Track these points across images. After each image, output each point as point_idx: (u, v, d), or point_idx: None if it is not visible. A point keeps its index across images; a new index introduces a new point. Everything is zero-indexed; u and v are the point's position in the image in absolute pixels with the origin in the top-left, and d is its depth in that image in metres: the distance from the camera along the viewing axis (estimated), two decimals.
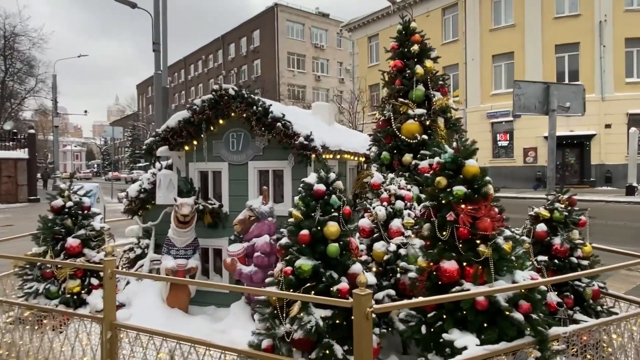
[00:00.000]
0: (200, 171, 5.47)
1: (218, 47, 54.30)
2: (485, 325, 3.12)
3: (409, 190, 4.42)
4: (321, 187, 3.44)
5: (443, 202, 3.38)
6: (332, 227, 3.33)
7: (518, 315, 3.10)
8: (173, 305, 4.91)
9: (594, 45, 25.15)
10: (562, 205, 4.10)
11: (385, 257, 4.03)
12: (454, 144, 3.46)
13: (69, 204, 4.61)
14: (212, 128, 5.25)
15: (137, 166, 67.15)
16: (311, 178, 3.55)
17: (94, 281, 4.58)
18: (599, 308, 3.94)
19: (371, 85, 33.15)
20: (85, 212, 4.73)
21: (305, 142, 4.60)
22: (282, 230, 3.75)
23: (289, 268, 3.36)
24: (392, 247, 4.02)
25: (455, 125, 5.31)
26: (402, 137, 5.18)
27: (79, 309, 4.43)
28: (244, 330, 4.18)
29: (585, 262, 3.96)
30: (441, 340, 3.10)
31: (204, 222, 5.23)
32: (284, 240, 3.57)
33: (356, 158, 6.22)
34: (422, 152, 5.11)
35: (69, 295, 4.42)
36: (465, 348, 2.91)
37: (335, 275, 3.31)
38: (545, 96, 6.31)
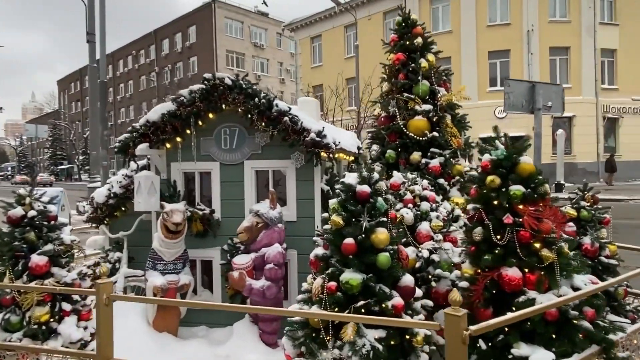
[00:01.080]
0: (185, 172, 4.79)
1: (150, 42, 51.38)
2: (553, 336, 2.87)
3: (431, 190, 4.11)
4: (365, 188, 3.01)
5: (495, 203, 3.10)
6: (382, 235, 2.91)
7: (586, 324, 2.89)
8: (161, 328, 4.21)
9: (523, 52, 26.77)
10: (588, 204, 4.00)
11: (417, 265, 3.68)
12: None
13: (31, 213, 3.76)
14: (200, 123, 4.59)
15: (59, 169, 61.91)
16: (350, 178, 3.10)
17: (66, 306, 3.77)
18: (627, 307, 3.88)
19: (315, 86, 32.93)
20: (52, 222, 3.90)
21: (318, 139, 4.13)
22: (315, 239, 3.26)
23: (333, 283, 2.88)
24: (424, 253, 3.67)
25: (462, 122, 5.10)
26: (410, 134, 4.87)
27: (49, 342, 3.62)
28: (257, 355, 3.64)
29: (613, 262, 3.88)
30: (510, 356, 2.79)
31: (192, 230, 4.56)
32: (320, 251, 3.09)
33: (348, 157, 5.83)
34: (432, 150, 4.84)
35: (35, 326, 3.59)
36: None
37: (387, 290, 2.89)
38: (531, 95, 6.32)
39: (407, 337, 2.88)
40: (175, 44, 48.68)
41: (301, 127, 4.17)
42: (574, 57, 26.44)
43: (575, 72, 25.88)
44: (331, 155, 4.23)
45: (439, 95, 5.03)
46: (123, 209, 5.08)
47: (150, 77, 49.80)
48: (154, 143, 4.58)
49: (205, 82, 4.40)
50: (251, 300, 4.00)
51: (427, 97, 5.04)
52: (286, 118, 4.18)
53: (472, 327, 2.20)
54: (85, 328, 3.88)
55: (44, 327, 3.63)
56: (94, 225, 5.09)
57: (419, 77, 4.96)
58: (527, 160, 3.06)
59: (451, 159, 4.78)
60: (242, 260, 3.86)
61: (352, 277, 2.85)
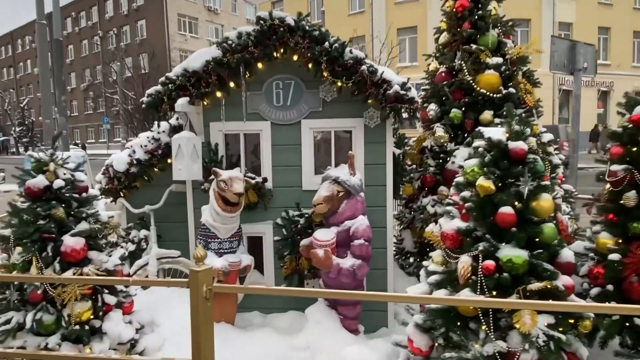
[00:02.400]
0: (227, 134, 4.01)
1: (92, 3, 47.12)
2: None
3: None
4: (521, 145, 2.46)
5: None
6: (546, 202, 2.40)
7: None
8: (217, 318, 3.53)
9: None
10: None
11: None
12: None
13: (58, 183, 2.91)
14: (247, 75, 3.82)
15: None
16: (497, 132, 2.54)
17: (109, 299, 3.00)
18: None
19: None
20: (83, 194, 3.06)
21: (402, 92, 3.51)
22: (449, 208, 2.69)
23: (490, 262, 2.35)
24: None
25: (531, 78, 4.63)
26: (482, 90, 4.34)
27: (93, 344, 2.86)
28: (345, 345, 3.09)
29: None
30: None
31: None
32: (461, 224, 2.53)
33: None
34: (507, 105, 4.34)
35: (77, 327, 2.81)
36: None
37: (549, 267, 2.40)
38: (572, 54, 5.98)
39: (571, 321, 2.42)
40: (121, 6, 44.89)
41: (381, 78, 3.52)
42: (534, 29, 26.73)
43: (535, 45, 26.30)
44: (413, 112, 3.63)
45: (507, 47, 4.52)
46: (146, 177, 4.24)
47: (93, 42, 45.95)
48: (194, 98, 3.76)
49: (261, 22, 3.61)
50: (330, 282, 3.40)
51: (494, 51, 4.51)
52: (364, 67, 3.52)
53: None
54: (130, 322, 3.15)
55: (86, 327, 2.86)
56: (108, 199, 4.22)
57: (488, 26, 4.41)
58: None
59: (526, 119, 4.30)
60: (326, 235, 3.23)
61: (515, 254, 2.32)
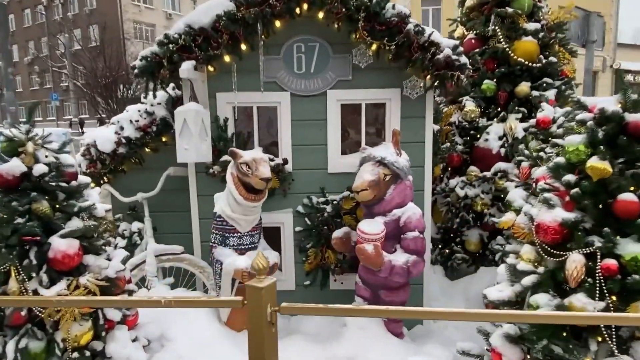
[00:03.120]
0: (237, 107, 3.37)
1: None
2: None
3: None
4: None
5: None
6: None
7: None
8: (239, 326, 2.97)
9: None
10: None
11: None
12: None
13: (39, 168, 2.22)
14: (262, 36, 3.17)
15: None
16: (608, 102, 2.08)
17: (113, 314, 2.37)
18: None
19: None
20: (72, 183, 2.37)
21: (454, 56, 3.00)
22: (548, 195, 2.22)
23: (612, 262, 1.92)
24: None
25: (566, 46, 4.24)
26: (519, 59, 3.90)
27: None
28: (395, 354, 2.64)
29: None
30: None
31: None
32: (566, 214, 2.08)
33: None
34: (545, 79, 3.94)
35: (75, 354, 2.17)
36: None
37: None
38: (585, 25, 5.64)
39: None
40: None
41: (429, 40, 2.99)
42: None
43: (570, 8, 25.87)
44: (462, 82, 3.13)
45: (543, 12, 4.09)
46: (137, 160, 3.55)
47: (37, 11, 42.34)
48: (199, 62, 3.08)
49: None
50: (373, 281, 2.91)
51: (528, 16, 4.07)
52: (410, 26, 2.96)
53: None
54: (136, 339, 2.54)
55: (86, 352, 2.23)
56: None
57: None
58: None
59: (566, 91, 3.93)
60: (374, 227, 2.71)
61: None
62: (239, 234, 2.91)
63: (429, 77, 3.14)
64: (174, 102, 3.43)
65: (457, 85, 3.17)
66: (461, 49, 3.06)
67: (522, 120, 3.94)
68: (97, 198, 2.50)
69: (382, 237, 2.70)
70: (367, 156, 2.89)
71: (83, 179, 2.46)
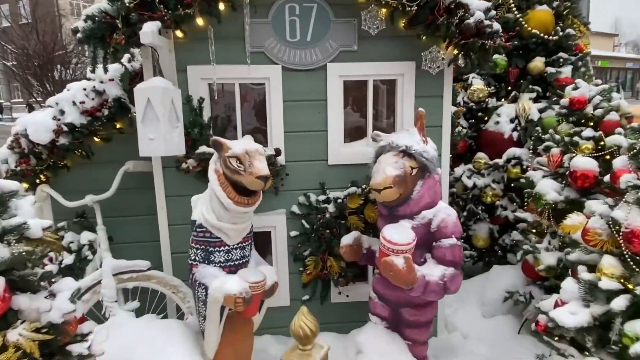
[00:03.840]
0: (212, 84, 2.67)
1: None
2: None
3: None
4: None
5: None
6: None
7: None
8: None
9: None
10: None
11: None
12: None
13: None
14: None
15: None
16: None
17: None
18: None
19: None
20: None
21: (487, 21, 2.47)
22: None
23: None
24: None
25: (579, 17, 3.83)
26: (534, 31, 3.44)
27: None
28: None
29: None
30: None
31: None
32: None
33: None
34: (560, 54, 3.52)
35: None
36: None
37: None
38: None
39: None
40: None
41: (455, 1, 2.43)
42: None
43: None
44: (488, 51, 2.60)
45: None
46: (82, 153, 2.79)
47: None
48: (166, 24, 2.36)
49: None
50: (392, 298, 2.38)
51: None
52: None
53: None
54: None
55: None
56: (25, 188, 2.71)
57: None
58: None
59: (580, 68, 3.53)
60: (403, 236, 2.14)
61: None
62: (226, 248, 2.26)
63: (451, 47, 2.60)
64: (131, 78, 2.68)
65: (484, 58, 2.65)
66: (493, 12, 2.52)
67: (535, 100, 3.52)
68: (31, 211, 1.77)
69: (413, 247, 2.15)
70: (390, 144, 2.31)
71: (7, 184, 1.72)
